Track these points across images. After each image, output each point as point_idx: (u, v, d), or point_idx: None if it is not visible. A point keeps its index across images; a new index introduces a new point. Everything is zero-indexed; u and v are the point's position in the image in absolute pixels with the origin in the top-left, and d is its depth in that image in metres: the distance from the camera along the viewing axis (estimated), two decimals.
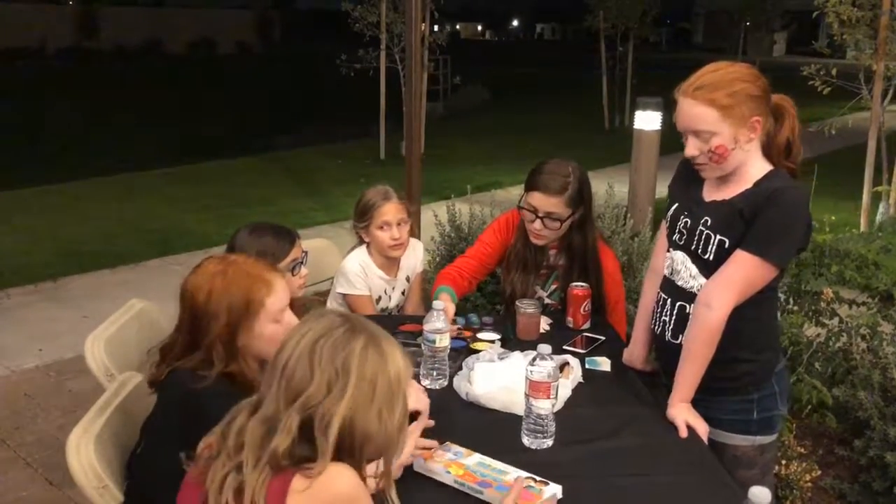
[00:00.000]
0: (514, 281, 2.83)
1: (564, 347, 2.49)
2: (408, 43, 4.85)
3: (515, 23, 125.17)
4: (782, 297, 3.40)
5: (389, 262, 3.10)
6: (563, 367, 2.24)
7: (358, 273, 3.02)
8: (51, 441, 3.57)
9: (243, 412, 1.40)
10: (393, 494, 1.45)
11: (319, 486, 1.30)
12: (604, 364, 2.40)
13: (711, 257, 2.01)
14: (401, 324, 2.72)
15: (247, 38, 47.21)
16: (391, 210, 2.99)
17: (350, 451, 1.35)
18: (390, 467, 1.43)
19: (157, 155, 11.43)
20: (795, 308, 3.34)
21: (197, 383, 1.77)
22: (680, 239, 2.12)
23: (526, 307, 2.58)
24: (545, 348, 1.92)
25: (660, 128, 6.27)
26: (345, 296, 3.05)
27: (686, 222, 2.10)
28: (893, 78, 6.11)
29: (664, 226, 2.23)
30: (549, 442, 1.92)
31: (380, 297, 3.11)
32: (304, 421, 1.32)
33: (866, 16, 5.86)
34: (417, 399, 1.97)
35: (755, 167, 2.01)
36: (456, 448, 1.85)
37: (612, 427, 2.02)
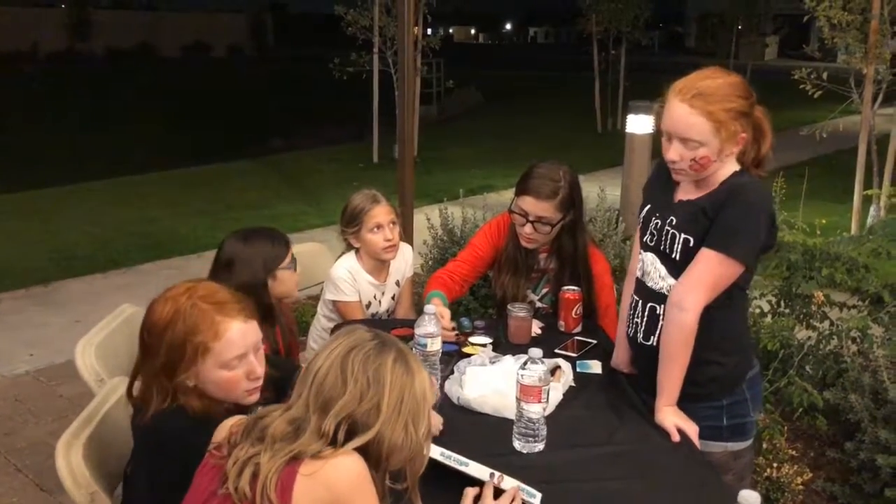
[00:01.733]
0: (505, 284, 2.84)
1: (556, 351, 2.49)
2: (400, 46, 4.85)
3: (508, 26, 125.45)
4: (773, 299, 3.41)
5: (379, 267, 3.09)
6: (554, 370, 2.24)
7: (346, 279, 3.02)
8: (42, 446, 3.55)
9: (274, 412, 1.46)
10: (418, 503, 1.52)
11: (326, 471, 1.36)
12: (595, 367, 2.40)
13: (678, 256, 2.03)
14: (392, 328, 2.72)
15: (240, 42, 47.20)
16: (382, 212, 2.99)
17: (376, 461, 1.42)
18: (415, 480, 1.49)
19: (150, 159, 11.39)
20: (786, 311, 3.35)
21: (142, 418, 1.72)
22: (650, 240, 2.14)
23: (517, 311, 2.58)
24: (536, 352, 1.93)
25: (651, 131, 6.28)
26: (335, 302, 3.05)
27: (656, 223, 2.13)
28: (883, 81, 6.13)
29: (639, 228, 2.25)
30: (541, 446, 1.92)
31: (369, 303, 3.10)
32: (337, 427, 1.39)
33: (856, 20, 5.89)
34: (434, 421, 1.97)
35: (725, 170, 2.04)
36: None
37: (603, 431, 2.02)
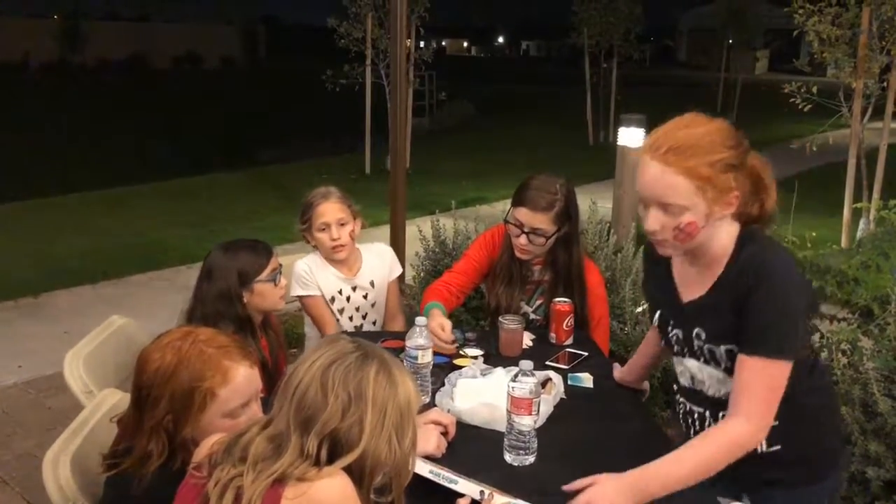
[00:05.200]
0: (499, 294, 2.83)
1: (547, 363, 2.48)
2: (393, 58, 4.86)
3: (501, 39, 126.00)
4: None
5: (343, 262, 3.01)
6: (545, 383, 2.23)
7: (305, 272, 2.95)
8: (29, 459, 3.52)
9: (253, 429, 1.41)
10: None
11: (311, 495, 1.31)
12: (586, 380, 2.40)
13: (729, 365, 1.76)
14: (382, 340, 2.71)
15: (232, 53, 47.26)
16: (329, 210, 2.90)
17: (360, 476, 1.37)
18: (401, 492, 1.44)
19: (141, 170, 11.38)
20: None
21: (140, 485, 1.58)
22: (682, 350, 1.89)
23: (508, 323, 2.58)
24: (527, 364, 1.92)
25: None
26: (300, 299, 3.00)
27: (677, 335, 1.88)
28: (872, 96, 6.18)
29: (655, 328, 2.02)
30: (531, 458, 1.91)
31: (333, 298, 3.00)
32: (320, 444, 1.34)
33: (845, 35, 5.95)
34: (437, 445, 1.94)
35: (723, 234, 1.73)
36: None
37: (594, 443, 2.01)
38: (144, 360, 1.68)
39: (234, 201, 9.53)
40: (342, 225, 2.91)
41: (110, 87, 28.45)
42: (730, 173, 1.64)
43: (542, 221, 2.65)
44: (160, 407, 1.62)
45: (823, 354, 3.19)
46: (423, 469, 1.73)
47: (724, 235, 1.73)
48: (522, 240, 2.68)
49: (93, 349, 2.34)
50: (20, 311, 5.53)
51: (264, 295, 2.52)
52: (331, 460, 1.35)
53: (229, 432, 1.51)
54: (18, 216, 8.51)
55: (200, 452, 1.48)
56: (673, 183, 1.63)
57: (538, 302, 2.88)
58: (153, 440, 1.62)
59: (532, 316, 2.89)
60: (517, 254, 2.75)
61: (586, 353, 2.59)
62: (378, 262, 3.12)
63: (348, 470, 1.35)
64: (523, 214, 2.66)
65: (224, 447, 1.41)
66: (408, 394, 1.42)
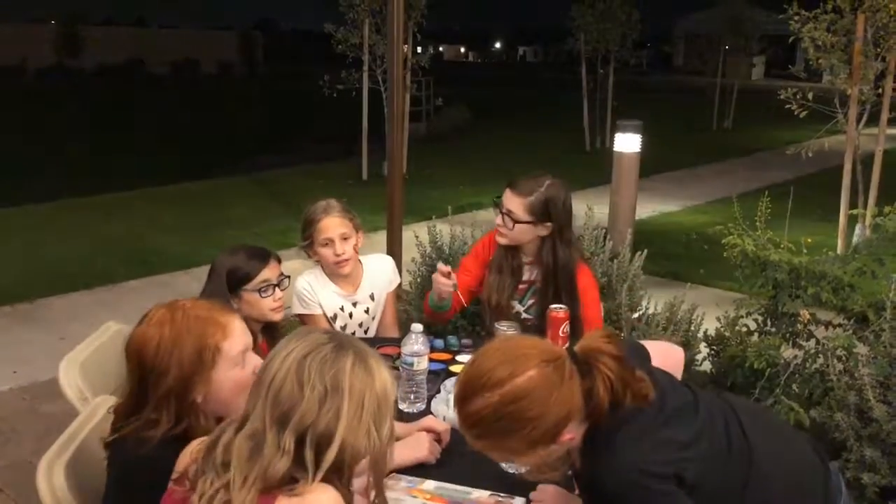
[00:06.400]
0: (490, 284, 2.90)
1: None
2: (390, 64, 4.87)
3: (498, 45, 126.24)
4: (759, 318, 3.42)
5: (345, 278, 2.99)
6: None
7: (306, 290, 2.93)
8: (24, 465, 3.51)
9: (229, 429, 1.38)
10: None
11: None
12: None
13: None
14: (378, 346, 2.71)
15: (230, 59, 47.29)
16: (331, 225, 2.87)
17: (338, 469, 1.34)
18: (381, 484, 1.42)
19: (138, 175, 11.36)
20: (773, 329, 3.36)
21: (140, 449, 1.62)
22: None
23: (504, 328, 2.58)
24: None
25: (639, 150, 6.32)
26: (300, 316, 2.99)
27: None
28: (868, 102, 6.20)
29: None
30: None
31: (335, 315, 2.98)
32: (298, 441, 1.31)
33: (841, 41, 5.96)
34: (430, 450, 1.97)
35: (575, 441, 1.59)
36: (407, 477, 1.85)
37: None
38: (141, 342, 1.69)
39: (232, 207, 9.53)
40: (345, 239, 2.89)
41: (108, 91, 28.43)
42: (548, 427, 1.50)
43: (516, 205, 2.74)
44: (167, 378, 1.65)
45: (819, 361, 3.20)
46: (430, 485, 1.74)
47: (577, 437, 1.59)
48: (498, 219, 2.81)
49: (88, 355, 2.34)
50: (15, 317, 5.52)
51: (252, 304, 2.51)
52: (314, 458, 1.31)
53: (236, 388, 1.63)
54: (15, 221, 8.50)
55: (182, 461, 1.45)
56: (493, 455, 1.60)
57: (530, 302, 2.91)
58: (162, 408, 1.66)
59: (524, 315, 2.90)
60: (496, 235, 2.86)
61: None
62: (379, 274, 3.09)
63: (324, 464, 1.32)
64: (505, 194, 2.80)
65: (204, 452, 1.38)
66: (384, 383, 1.39)
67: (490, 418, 1.48)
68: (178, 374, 1.66)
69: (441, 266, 2.70)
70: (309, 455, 1.31)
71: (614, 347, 1.55)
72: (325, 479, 1.32)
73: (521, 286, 2.91)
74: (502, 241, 2.85)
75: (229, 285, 2.47)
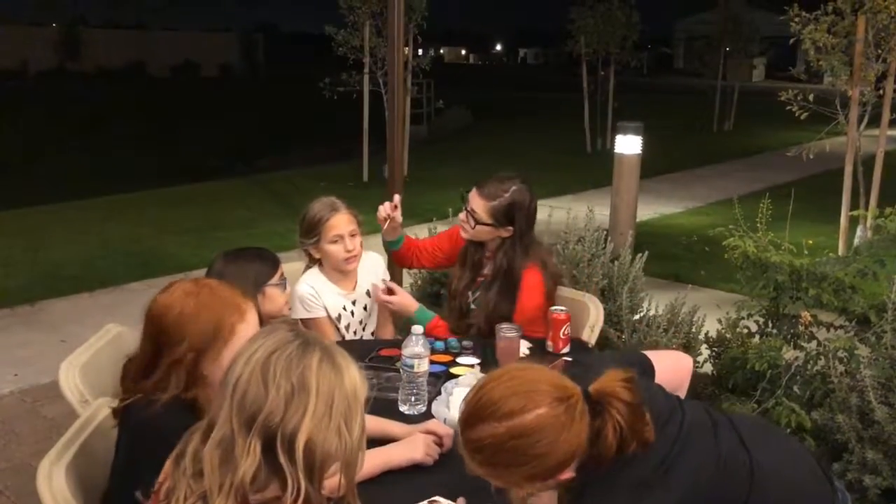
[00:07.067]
0: (454, 274, 3.09)
1: None
2: (390, 66, 4.87)
3: (499, 47, 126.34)
4: (760, 320, 3.41)
5: (345, 277, 3.00)
6: None
7: (310, 294, 2.93)
8: (25, 468, 3.51)
9: (196, 437, 1.34)
10: None
11: None
12: None
13: None
14: (378, 349, 2.71)
15: (231, 61, 47.31)
16: (341, 222, 2.88)
17: (309, 470, 1.28)
18: (353, 484, 1.37)
19: (139, 178, 11.37)
20: (774, 331, 3.36)
21: (149, 409, 1.68)
22: None
23: (506, 331, 2.58)
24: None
25: (640, 152, 6.33)
26: (303, 321, 2.98)
27: None
28: (869, 103, 6.20)
29: None
30: None
31: (339, 315, 2.99)
32: (265, 443, 1.27)
33: (841, 43, 5.96)
34: (427, 452, 1.97)
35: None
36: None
37: None
38: (163, 308, 1.77)
39: (232, 209, 9.53)
40: (353, 236, 2.92)
41: (109, 94, 28.44)
42: (551, 462, 1.47)
43: (479, 207, 2.83)
44: (181, 346, 1.72)
45: (821, 362, 3.20)
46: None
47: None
48: (462, 215, 2.93)
49: (89, 358, 2.34)
50: (16, 319, 5.52)
51: (273, 299, 2.54)
52: (279, 458, 1.27)
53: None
54: (15, 223, 8.50)
55: (165, 470, 1.40)
56: (489, 477, 1.55)
57: (477, 294, 3.01)
58: (171, 373, 1.73)
59: (472, 306, 3.01)
60: (459, 230, 3.01)
61: None
62: (371, 271, 3.11)
63: (298, 466, 1.27)
64: (472, 193, 2.89)
65: (171, 466, 1.34)
66: (353, 381, 1.34)
67: (493, 448, 1.46)
68: (192, 345, 1.73)
69: (387, 203, 2.98)
70: (282, 456, 1.26)
71: (630, 394, 1.51)
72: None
73: (479, 279, 3.01)
74: (465, 235, 2.96)
75: (256, 284, 2.47)
